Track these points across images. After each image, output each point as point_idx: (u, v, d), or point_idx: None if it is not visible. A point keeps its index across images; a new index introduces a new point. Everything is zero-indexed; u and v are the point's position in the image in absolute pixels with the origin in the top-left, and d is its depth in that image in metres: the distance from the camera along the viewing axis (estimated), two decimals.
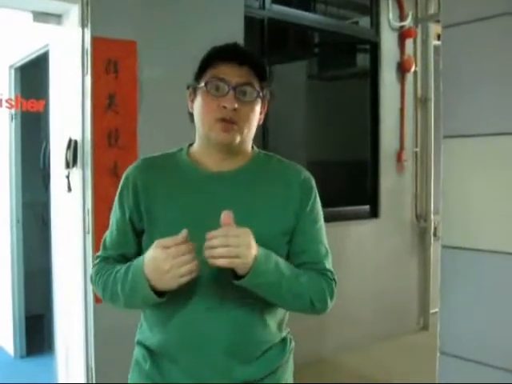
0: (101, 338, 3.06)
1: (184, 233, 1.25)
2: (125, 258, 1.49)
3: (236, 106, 1.37)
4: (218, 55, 1.41)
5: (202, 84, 1.41)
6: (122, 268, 1.41)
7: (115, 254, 1.50)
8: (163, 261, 1.25)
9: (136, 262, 1.37)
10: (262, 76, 1.45)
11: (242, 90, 1.39)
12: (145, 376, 1.49)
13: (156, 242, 1.28)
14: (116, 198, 1.52)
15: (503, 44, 1.50)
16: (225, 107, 1.37)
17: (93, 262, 1.57)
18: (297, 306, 1.44)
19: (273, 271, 1.33)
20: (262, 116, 1.50)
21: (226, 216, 1.27)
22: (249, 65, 1.41)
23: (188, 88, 1.49)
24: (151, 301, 1.35)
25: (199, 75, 1.44)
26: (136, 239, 1.49)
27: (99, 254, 1.55)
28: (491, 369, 1.52)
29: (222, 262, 1.24)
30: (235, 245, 1.24)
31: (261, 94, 1.44)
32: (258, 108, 1.45)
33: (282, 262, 1.38)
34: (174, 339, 1.43)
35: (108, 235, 1.54)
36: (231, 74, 1.39)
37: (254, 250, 1.28)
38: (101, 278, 1.47)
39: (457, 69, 1.60)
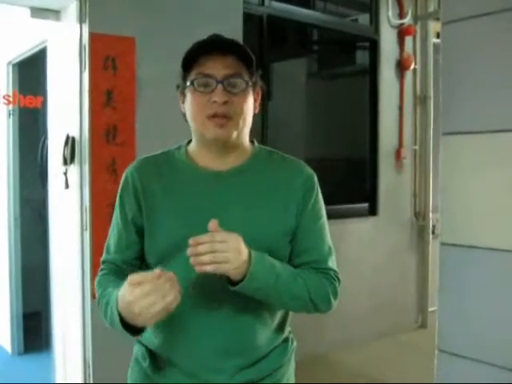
0: (98, 335, 3.05)
1: (157, 271, 1.19)
2: (128, 264, 1.47)
3: (226, 99, 1.35)
4: (200, 50, 1.38)
5: (189, 83, 1.39)
6: (108, 295, 1.36)
7: (120, 259, 1.48)
8: (132, 303, 1.20)
9: (115, 293, 1.30)
10: (249, 63, 1.41)
11: (229, 82, 1.36)
12: (144, 374, 1.48)
13: (128, 278, 1.23)
14: (117, 201, 1.50)
15: (503, 41, 1.49)
16: (215, 102, 1.35)
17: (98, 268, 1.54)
18: (296, 306, 1.42)
19: (269, 274, 1.31)
20: (257, 104, 1.47)
21: (212, 224, 1.24)
22: (233, 54, 1.38)
23: (178, 88, 1.46)
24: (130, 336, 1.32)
25: (185, 74, 1.41)
26: (140, 241, 1.47)
27: (104, 258, 1.51)
28: (489, 366, 1.51)
29: (208, 268, 1.21)
30: (222, 250, 1.21)
31: (250, 82, 1.40)
32: (250, 97, 1.41)
33: (277, 263, 1.35)
34: (173, 341, 1.42)
35: (111, 239, 1.51)
36: (216, 67, 1.36)
37: (243, 255, 1.25)
38: (98, 293, 1.44)
39: (456, 65, 1.59)
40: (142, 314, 1.20)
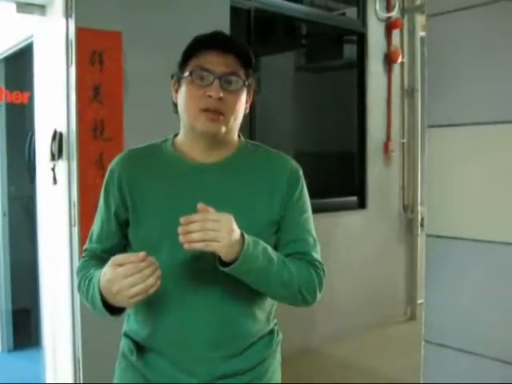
0: (88, 331, 3.05)
1: (141, 254, 1.22)
2: (109, 254, 1.46)
3: (221, 95, 1.36)
4: (202, 44, 1.39)
5: (187, 73, 1.40)
6: (90, 275, 1.40)
7: (100, 249, 1.50)
8: (112, 281, 1.24)
9: (97, 274, 1.34)
10: (248, 64, 1.43)
11: (227, 79, 1.38)
12: (131, 367, 1.49)
13: (111, 259, 1.27)
14: (101, 192, 1.51)
15: (487, 33, 1.50)
16: (210, 96, 1.36)
17: (81, 254, 1.57)
18: (285, 294, 1.41)
19: (261, 257, 1.32)
20: (248, 105, 1.49)
21: (201, 206, 1.25)
22: (234, 53, 1.39)
23: (172, 78, 1.47)
24: (109, 316, 1.34)
25: (183, 64, 1.42)
26: (122, 233, 1.49)
27: (86, 246, 1.55)
28: (475, 356, 1.53)
29: (197, 246, 1.22)
30: (214, 229, 1.22)
31: (246, 83, 1.42)
32: (243, 97, 1.43)
33: (269, 248, 1.36)
34: (160, 333, 1.42)
35: (94, 228, 1.53)
36: (216, 62, 1.38)
37: (235, 234, 1.26)
38: (78, 276, 1.47)
39: (441, 58, 1.60)
40: (121, 293, 1.23)
